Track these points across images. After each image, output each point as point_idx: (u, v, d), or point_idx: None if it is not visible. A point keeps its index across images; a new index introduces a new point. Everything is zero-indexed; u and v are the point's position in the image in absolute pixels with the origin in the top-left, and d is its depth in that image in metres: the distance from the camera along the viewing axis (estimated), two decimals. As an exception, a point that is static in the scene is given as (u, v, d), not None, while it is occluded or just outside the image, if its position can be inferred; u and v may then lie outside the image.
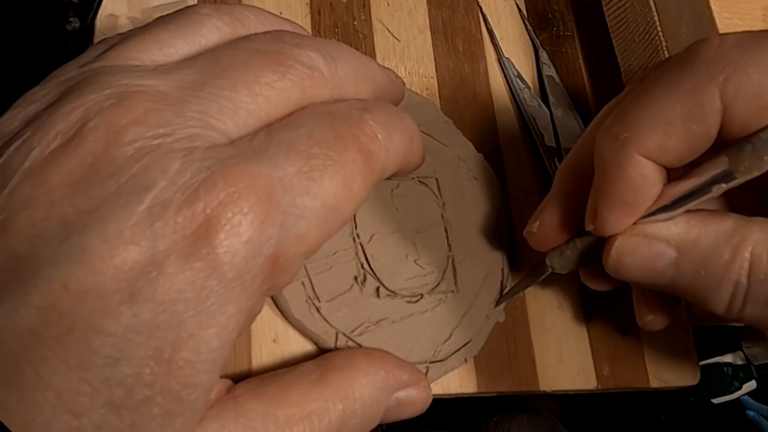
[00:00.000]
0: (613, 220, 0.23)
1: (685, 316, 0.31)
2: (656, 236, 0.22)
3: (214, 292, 0.17)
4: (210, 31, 0.21)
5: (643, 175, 0.22)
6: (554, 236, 0.26)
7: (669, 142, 0.21)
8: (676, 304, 0.26)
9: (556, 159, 0.32)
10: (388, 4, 0.33)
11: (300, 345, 0.25)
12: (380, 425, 0.39)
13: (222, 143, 0.18)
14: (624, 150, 0.21)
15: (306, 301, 0.25)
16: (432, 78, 0.32)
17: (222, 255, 0.16)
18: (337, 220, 0.19)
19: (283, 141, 0.19)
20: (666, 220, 0.22)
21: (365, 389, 0.22)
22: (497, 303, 0.29)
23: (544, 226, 0.26)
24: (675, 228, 0.22)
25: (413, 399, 0.24)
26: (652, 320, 0.26)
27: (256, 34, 0.21)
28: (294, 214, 0.18)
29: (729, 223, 0.22)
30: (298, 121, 0.19)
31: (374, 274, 0.27)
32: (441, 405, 0.35)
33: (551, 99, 0.34)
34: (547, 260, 0.26)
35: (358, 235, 0.27)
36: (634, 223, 0.23)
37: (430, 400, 0.24)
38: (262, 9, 0.23)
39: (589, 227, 0.24)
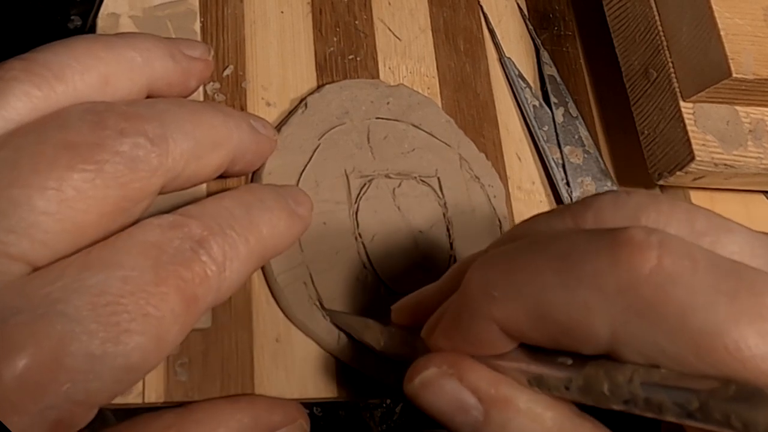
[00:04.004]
0: (444, 346, 0.20)
1: None
2: (472, 384, 0.19)
3: None
4: (19, 100, 0.18)
5: (491, 334, 0.18)
6: (401, 319, 0.23)
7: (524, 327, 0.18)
8: None
9: (556, 159, 0.32)
10: (390, 4, 0.33)
11: (303, 344, 0.25)
12: (380, 425, 0.39)
13: (17, 274, 0.16)
14: (486, 307, 0.18)
15: (308, 300, 0.25)
16: (433, 77, 0.32)
17: None
18: (140, 375, 0.18)
19: (91, 288, 0.16)
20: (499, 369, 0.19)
21: None
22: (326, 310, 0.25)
23: (397, 314, 0.23)
24: (500, 390, 0.18)
25: None
26: None
27: (74, 112, 0.18)
28: (85, 377, 0.16)
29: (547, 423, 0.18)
30: (119, 257, 0.17)
31: (376, 273, 0.27)
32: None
33: (552, 98, 0.34)
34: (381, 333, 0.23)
35: (360, 235, 0.27)
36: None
37: None
38: (94, 41, 0.20)
39: (423, 333, 0.21)
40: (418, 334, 0.21)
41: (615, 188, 0.33)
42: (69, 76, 0.19)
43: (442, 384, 0.19)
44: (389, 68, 0.32)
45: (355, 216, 0.27)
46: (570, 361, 0.17)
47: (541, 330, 0.17)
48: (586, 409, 0.19)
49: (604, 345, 0.16)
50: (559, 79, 0.34)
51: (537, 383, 0.18)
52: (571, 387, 0.17)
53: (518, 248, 0.18)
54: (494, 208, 0.30)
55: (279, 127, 0.28)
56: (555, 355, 0.18)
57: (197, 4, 0.29)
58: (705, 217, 0.17)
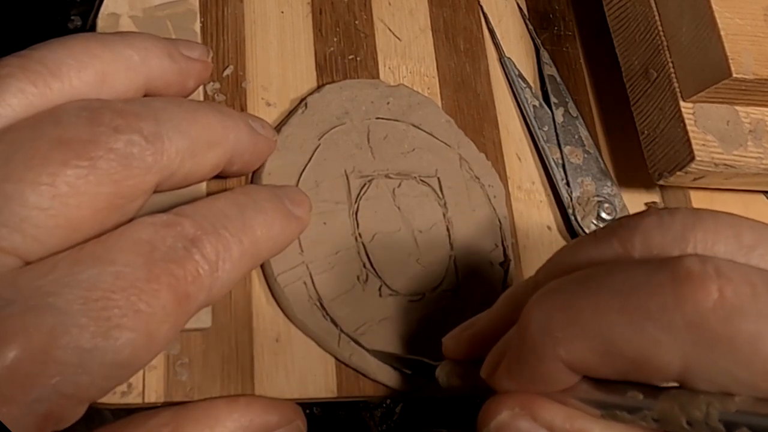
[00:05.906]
0: (509, 386, 0.19)
1: None
2: (546, 422, 0.19)
3: None
4: (14, 96, 0.18)
5: (557, 372, 0.18)
6: (457, 354, 0.23)
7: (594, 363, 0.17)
8: None
9: (556, 159, 0.32)
10: (390, 4, 0.33)
11: (303, 344, 0.25)
12: (380, 425, 0.39)
13: (8, 268, 0.16)
14: (550, 348, 0.18)
15: (308, 300, 0.25)
16: (433, 77, 0.32)
17: None
18: (130, 372, 0.18)
19: (83, 282, 0.17)
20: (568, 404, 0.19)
21: None
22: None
23: (452, 348, 0.23)
24: (575, 424, 0.18)
25: None
26: None
27: (70, 108, 0.19)
28: (75, 371, 0.16)
29: None
30: (111, 254, 0.17)
31: (376, 273, 0.27)
32: (441, 405, 0.35)
33: (552, 98, 0.34)
34: (437, 370, 0.23)
35: (360, 235, 0.27)
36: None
37: None
38: (92, 39, 0.20)
39: (483, 374, 0.20)
40: (476, 366, 0.21)
41: (615, 188, 0.33)
42: (65, 73, 0.19)
43: (517, 426, 0.19)
44: (389, 68, 0.32)
45: (355, 216, 0.27)
46: (641, 396, 0.17)
47: (610, 366, 0.17)
48: None
49: (675, 376, 0.16)
50: (559, 79, 0.34)
51: (611, 417, 0.18)
52: (647, 420, 0.17)
53: (575, 283, 0.18)
54: (494, 208, 0.30)
55: (279, 127, 0.28)
56: (623, 387, 0.18)
57: (197, 4, 0.29)
58: (750, 229, 0.17)
